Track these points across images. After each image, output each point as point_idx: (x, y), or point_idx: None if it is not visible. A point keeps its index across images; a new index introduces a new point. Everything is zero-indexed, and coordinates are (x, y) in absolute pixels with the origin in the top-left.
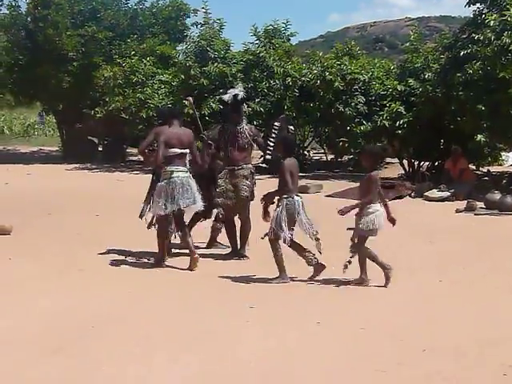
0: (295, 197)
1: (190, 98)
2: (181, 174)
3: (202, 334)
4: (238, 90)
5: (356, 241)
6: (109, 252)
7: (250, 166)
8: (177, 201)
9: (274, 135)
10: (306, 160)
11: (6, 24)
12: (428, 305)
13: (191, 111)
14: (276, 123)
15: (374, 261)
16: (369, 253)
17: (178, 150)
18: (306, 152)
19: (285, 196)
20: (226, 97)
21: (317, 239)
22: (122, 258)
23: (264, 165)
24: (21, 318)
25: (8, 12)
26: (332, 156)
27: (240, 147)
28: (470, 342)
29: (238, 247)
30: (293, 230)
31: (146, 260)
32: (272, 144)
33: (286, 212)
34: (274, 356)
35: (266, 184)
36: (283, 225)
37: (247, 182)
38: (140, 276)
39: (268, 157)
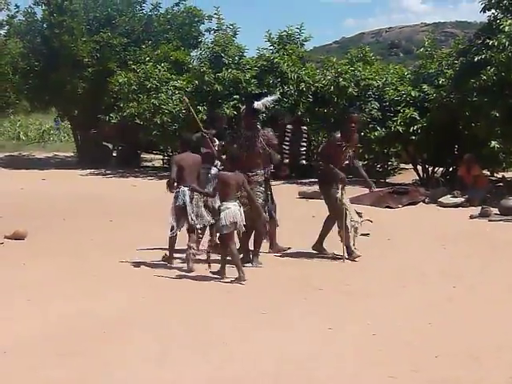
0: (183, 188)
1: (186, 98)
2: None
3: (214, 338)
4: (271, 99)
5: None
6: (122, 257)
7: (263, 171)
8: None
9: (288, 138)
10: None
11: (21, 30)
12: (441, 310)
13: (189, 110)
14: (289, 126)
15: (232, 260)
16: (230, 251)
17: None
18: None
19: (175, 189)
20: (259, 104)
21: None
22: (136, 263)
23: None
24: (34, 322)
25: (24, 18)
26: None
27: (254, 153)
28: (484, 347)
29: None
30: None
31: (161, 264)
32: (288, 148)
33: (173, 203)
34: (285, 361)
35: (282, 189)
36: (170, 215)
37: (261, 189)
38: (153, 281)
39: (286, 161)
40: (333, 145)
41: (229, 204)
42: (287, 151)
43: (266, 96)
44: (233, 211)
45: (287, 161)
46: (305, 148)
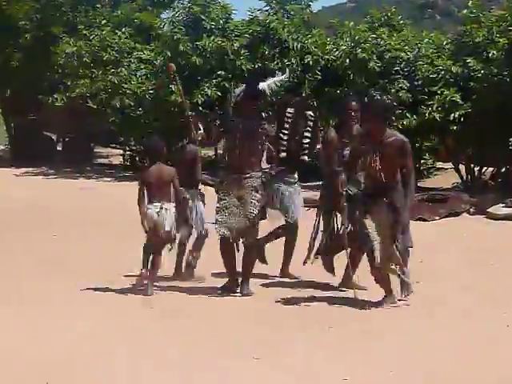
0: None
1: (173, 66)
2: None
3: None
4: (279, 79)
5: None
6: (68, 281)
7: (261, 173)
8: None
9: (287, 125)
10: None
11: None
12: (487, 356)
13: (174, 82)
14: (290, 109)
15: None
16: None
17: None
18: None
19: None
20: (266, 86)
21: None
22: (86, 287)
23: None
24: None
25: None
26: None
27: (251, 149)
28: None
29: (239, 280)
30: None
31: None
32: (286, 138)
33: None
34: None
35: None
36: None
37: (257, 196)
38: (110, 310)
39: (283, 154)
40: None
41: (150, 206)
42: (284, 143)
43: (273, 76)
44: (149, 214)
45: (284, 155)
46: (309, 140)
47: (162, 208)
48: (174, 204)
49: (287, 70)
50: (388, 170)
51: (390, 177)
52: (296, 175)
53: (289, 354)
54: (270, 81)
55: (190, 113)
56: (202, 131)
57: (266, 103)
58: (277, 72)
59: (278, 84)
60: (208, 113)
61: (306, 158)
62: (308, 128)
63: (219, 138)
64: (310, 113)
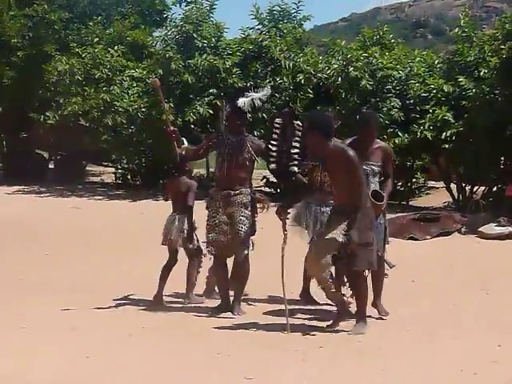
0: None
1: (157, 80)
2: None
3: None
4: (262, 95)
5: None
6: (61, 302)
7: (250, 190)
8: None
9: (276, 136)
10: None
11: None
12: (482, 376)
13: (158, 96)
14: (278, 120)
15: None
16: None
17: None
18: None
19: None
20: (244, 101)
21: None
22: (77, 310)
23: (269, 179)
24: None
25: None
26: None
27: (239, 164)
28: None
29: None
30: None
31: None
32: (275, 148)
33: None
34: None
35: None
36: None
37: (247, 213)
38: (103, 335)
39: (272, 166)
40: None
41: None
42: (274, 154)
43: (255, 91)
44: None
45: (274, 166)
46: (298, 150)
47: (174, 218)
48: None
49: (267, 86)
50: (338, 185)
51: (343, 193)
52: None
53: (280, 373)
54: (250, 96)
55: (171, 128)
56: (185, 145)
57: (245, 118)
58: (258, 88)
59: (260, 100)
60: (200, 130)
61: (295, 168)
62: (296, 138)
63: (207, 151)
64: (298, 122)
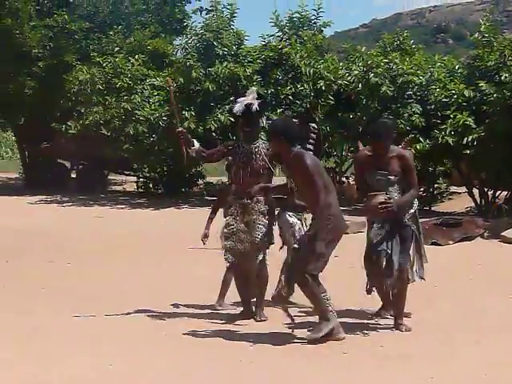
0: None
1: (170, 80)
2: None
3: None
4: (251, 98)
5: None
6: (84, 312)
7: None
8: None
9: None
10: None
11: None
12: (502, 379)
13: (170, 96)
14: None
15: None
16: None
17: None
18: (343, 179)
19: None
20: (236, 107)
21: None
22: (102, 319)
23: None
24: None
25: None
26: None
27: (254, 172)
28: None
29: (253, 307)
30: None
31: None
32: None
33: None
34: None
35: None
36: None
37: (264, 221)
38: (127, 345)
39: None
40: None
41: None
42: None
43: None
44: None
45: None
46: (312, 152)
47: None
48: None
49: (253, 88)
50: (300, 192)
51: (305, 200)
52: None
53: (305, 381)
54: (241, 102)
55: (180, 128)
56: (196, 146)
57: (253, 125)
58: (247, 92)
59: (252, 103)
60: (221, 138)
61: None
62: (311, 140)
63: (221, 156)
64: (314, 125)
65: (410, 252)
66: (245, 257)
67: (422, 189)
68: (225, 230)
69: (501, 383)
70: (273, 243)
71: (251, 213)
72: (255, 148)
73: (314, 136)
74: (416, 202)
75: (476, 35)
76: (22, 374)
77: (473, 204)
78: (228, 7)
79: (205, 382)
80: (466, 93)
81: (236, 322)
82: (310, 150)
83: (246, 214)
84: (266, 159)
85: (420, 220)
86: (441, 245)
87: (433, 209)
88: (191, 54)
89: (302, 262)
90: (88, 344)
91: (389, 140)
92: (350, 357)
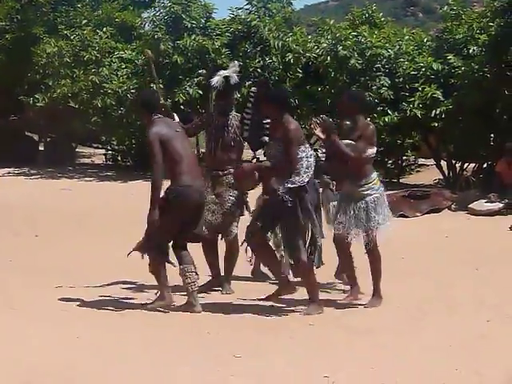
0: None
1: (149, 52)
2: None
3: None
4: (232, 71)
5: None
6: (51, 285)
7: None
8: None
9: (250, 105)
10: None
11: None
12: (471, 351)
13: (150, 68)
14: (253, 89)
15: None
16: None
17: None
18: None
19: None
20: (215, 79)
21: None
22: (68, 292)
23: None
24: None
25: None
26: None
27: (225, 145)
28: None
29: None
30: None
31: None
32: (248, 117)
33: None
34: None
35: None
36: None
37: (235, 193)
38: (93, 317)
39: (245, 134)
40: None
41: None
42: (247, 123)
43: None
44: None
45: (246, 134)
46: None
47: None
48: None
49: (235, 62)
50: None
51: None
52: None
53: (270, 352)
54: (221, 74)
55: (162, 101)
56: (176, 120)
57: (228, 98)
58: (229, 64)
59: (232, 76)
60: (189, 111)
61: (266, 138)
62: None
63: (197, 130)
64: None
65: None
66: (216, 228)
67: (390, 161)
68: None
69: (466, 355)
70: (243, 215)
71: (222, 184)
72: (227, 120)
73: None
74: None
75: (445, 8)
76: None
77: (441, 176)
78: None
79: (174, 352)
80: (435, 66)
81: (205, 291)
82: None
83: (217, 186)
84: (237, 132)
85: (388, 192)
86: (408, 217)
87: (401, 181)
88: (159, 27)
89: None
90: (55, 317)
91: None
92: (316, 329)
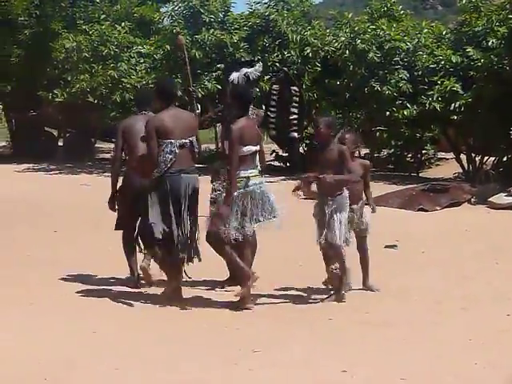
0: None
1: (182, 38)
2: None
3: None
4: (252, 70)
5: None
6: (69, 280)
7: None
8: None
9: (273, 102)
10: None
11: None
12: (492, 346)
13: (183, 55)
14: (275, 86)
15: None
16: None
17: (253, 148)
18: None
19: None
20: (234, 75)
21: None
22: (87, 287)
23: (279, 154)
24: None
25: None
26: (366, 150)
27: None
28: None
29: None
30: None
31: (117, 288)
32: (273, 115)
33: None
34: None
35: (280, 188)
36: None
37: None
38: (108, 312)
39: (272, 133)
40: None
41: None
42: (273, 121)
43: (251, 65)
44: None
45: (274, 133)
46: (297, 116)
47: None
48: None
49: (260, 62)
50: None
51: None
52: None
53: (288, 346)
54: (243, 71)
55: (191, 88)
56: (197, 111)
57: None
58: (254, 63)
59: (254, 74)
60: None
61: (295, 134)
62: (294, 104)
63: (212, 122)
64: (295, 88)
65: None
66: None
67: (409, 155)
68: (211, 195)
69: (485, 349)
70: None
71: None
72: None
73: (297, 99)
74: None
75: (463, 1)
76: (2, 342)
77: (460, 170)
78: None
79: (188, 347)
80: (454, 59)
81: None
82: (294, 113)
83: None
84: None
85: (407, 186)
86: (428, 210)
87: (420, 175)
88: (178, 21)
89: None
90: (71, 311)
91: None
92: (333, 323)
